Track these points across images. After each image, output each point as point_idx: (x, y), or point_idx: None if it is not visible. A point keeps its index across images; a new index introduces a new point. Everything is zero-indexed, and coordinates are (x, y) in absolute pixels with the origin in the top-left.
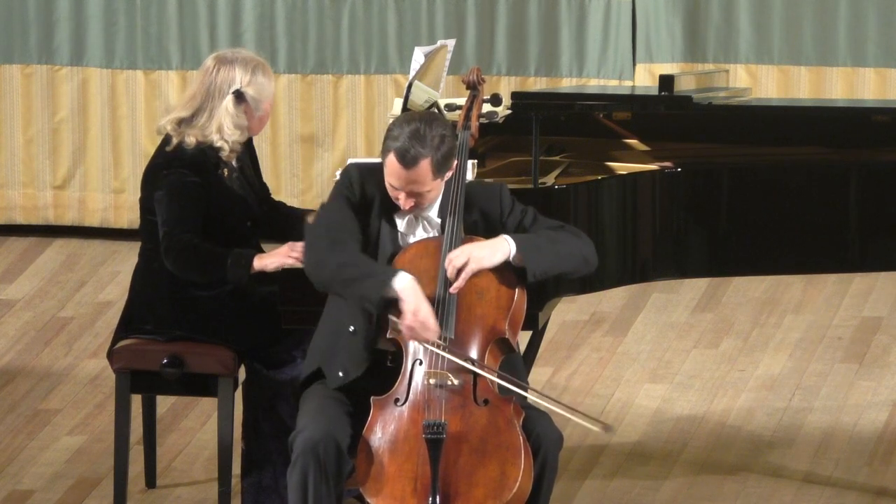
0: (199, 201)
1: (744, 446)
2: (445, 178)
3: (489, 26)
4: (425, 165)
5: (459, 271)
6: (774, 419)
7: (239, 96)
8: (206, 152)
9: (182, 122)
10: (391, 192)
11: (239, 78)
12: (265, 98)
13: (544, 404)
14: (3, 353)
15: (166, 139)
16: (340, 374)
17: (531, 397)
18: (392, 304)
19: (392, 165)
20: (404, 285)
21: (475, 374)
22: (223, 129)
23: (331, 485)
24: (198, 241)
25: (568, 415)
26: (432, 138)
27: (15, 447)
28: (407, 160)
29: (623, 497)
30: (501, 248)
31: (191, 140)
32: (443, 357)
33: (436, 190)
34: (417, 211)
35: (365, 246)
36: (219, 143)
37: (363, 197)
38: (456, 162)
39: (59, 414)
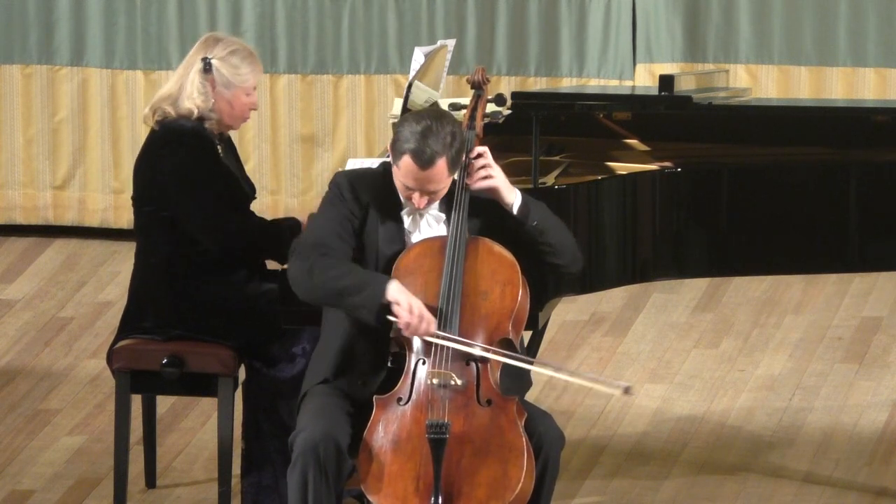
0: (220, 171)
1: (744, 446)
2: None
3: (489, 26)
4: (441, 164)
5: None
6: (774, 419)
7: (207, 65)
8: (201, 127)
9: (161, 100)
10: (404, 193)
11: (214, 52)
12: (238, 83)
13: (562, 377)
14: (3, 353)
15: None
16: (360, 383)
17: (537, 369)
18: (386, 310)
19: (408, 167)
20: (395, 288)
21: (478, 375)
22: (192, 92)
23: (330, 485)
24: (245, 223)
25: (587, 383)
26: (444, 136)
27: (15, 447)
28: (424, 161)
29: (623, 497)
30: (514, 190)
31: (169, 110)
32: (446, 357)
33: (447, 185)
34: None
35: (363, 249)
36: (188, 104)
37: (356, 202)
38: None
39: (59, 414)
